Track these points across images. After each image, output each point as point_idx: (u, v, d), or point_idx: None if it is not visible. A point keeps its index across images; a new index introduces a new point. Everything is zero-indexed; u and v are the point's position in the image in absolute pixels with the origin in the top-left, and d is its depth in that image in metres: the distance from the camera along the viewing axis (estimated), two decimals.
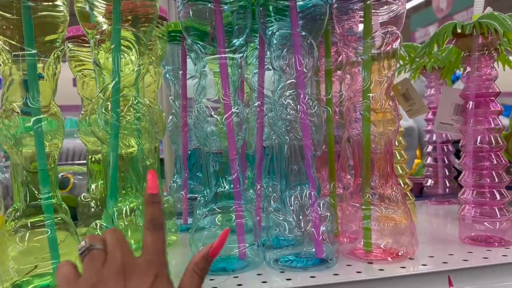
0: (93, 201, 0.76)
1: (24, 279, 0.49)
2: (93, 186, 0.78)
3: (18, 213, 0.50)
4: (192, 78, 0.82)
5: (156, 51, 0.70)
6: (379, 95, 0.58)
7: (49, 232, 0.50)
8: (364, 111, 0.57)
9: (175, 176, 0.83)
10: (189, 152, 0.85)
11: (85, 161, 0.83)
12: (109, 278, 0.34)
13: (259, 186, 0.66)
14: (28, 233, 0.49)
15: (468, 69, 0.65)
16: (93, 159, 0.78)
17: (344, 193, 0.67)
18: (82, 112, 0.77)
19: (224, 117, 0.55)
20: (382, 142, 0.59)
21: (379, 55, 0.58)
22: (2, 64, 0.51)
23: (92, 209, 0.76)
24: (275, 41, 0.55)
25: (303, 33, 0.54)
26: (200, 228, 0.55)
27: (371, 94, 0.58)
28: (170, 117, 0.82)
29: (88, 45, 0.68)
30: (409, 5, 5.37)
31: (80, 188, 0.91)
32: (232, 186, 0.56)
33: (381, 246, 0.58)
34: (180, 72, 0.79)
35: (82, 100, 0.77)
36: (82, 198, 0.76)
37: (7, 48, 0.49)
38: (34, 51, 0.49)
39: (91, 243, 0.35)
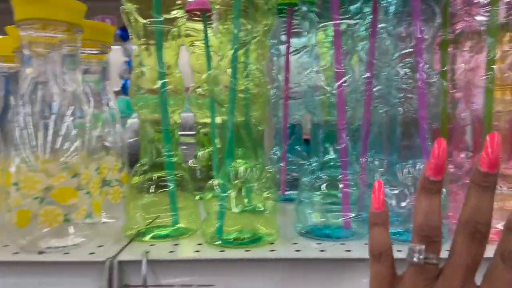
0: (200, 167, 0.82)
1: (146, 228, 0.55)
2: (199, 154, 0.83)
3: (145, 167, 0.55)
4: (295, 53, 0.83)
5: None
6: (505, 68, 0.54)
7: (170, 187, 0.54)
8: (488, 83, 0.53)
9: (275, 148, 0.85)
10: (289, 126, 0.86)
11: (189, 132, 0.89)
12: None
13: (364, 160, 0.65)
14: (152, 186, 0.54)
15: None
16: (201, 129, 0.83)
17: (456, 172, 0.63)
18: (192, 84, 0.82)
19: (336, 85, 0.54)
20: (504, 119, 0.55)
21: (507, 24, 0.54)
22: (134, 35, 0.56)
23: (198, 174, 0.82)
24: (393, 7, 0.53)
25: None
26: (306, 195, 0.56)
27: (495, 66, 0.54)
28: (273, 91, 0.84)
29: (199, 19, 0.72)
30: None
31: (185, 157, 0.98)
32: (339, 156, 0.56)
33: (497, 227, 0.54)
34: (285, 45, 0.80)
35: (193, 74, 0.82)
36: (191, 164, 0.82)
37: (139, 17, 0.54)
38: (161, 19, 0.53)
39: (427, 254, 0.29)
